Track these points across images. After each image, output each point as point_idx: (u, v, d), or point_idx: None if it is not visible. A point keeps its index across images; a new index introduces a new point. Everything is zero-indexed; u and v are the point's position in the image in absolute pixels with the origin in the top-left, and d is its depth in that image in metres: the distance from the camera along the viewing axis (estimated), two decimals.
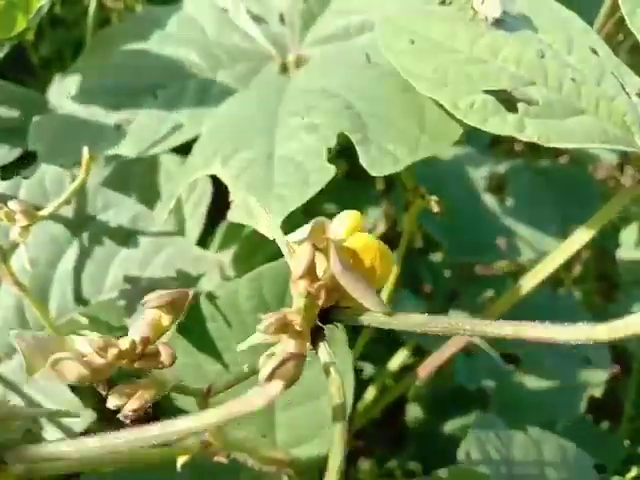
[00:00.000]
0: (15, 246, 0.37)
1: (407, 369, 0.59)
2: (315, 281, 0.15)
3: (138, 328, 0.18)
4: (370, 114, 0.34)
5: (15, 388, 0.44)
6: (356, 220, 0.18)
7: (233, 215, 0.31)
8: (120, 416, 0.18)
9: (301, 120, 0.34)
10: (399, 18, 0.38)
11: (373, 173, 0.32)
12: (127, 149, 0.48)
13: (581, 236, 0.38)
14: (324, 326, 0.16)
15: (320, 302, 0.15)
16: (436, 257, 0.78)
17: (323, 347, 0.16)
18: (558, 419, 0.64)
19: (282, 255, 0.19)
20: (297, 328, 0.15)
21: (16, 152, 0.81)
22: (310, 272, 0.15)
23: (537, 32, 0.39)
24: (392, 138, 0.33)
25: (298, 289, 0.15)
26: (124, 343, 0.17)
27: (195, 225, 0.58)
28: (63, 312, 0.44)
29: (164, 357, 0.17)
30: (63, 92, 0.52)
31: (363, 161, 0.32)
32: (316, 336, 0.16)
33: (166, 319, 0.18)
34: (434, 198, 0.38)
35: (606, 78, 0.39)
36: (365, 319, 0.16)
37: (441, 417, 0.65)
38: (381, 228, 0.76)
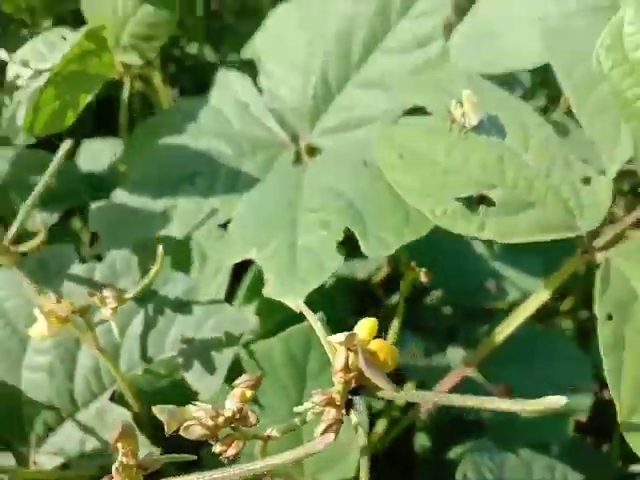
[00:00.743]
0: (101, 321, 0.47)
1: (412, 403, 0.69)
2: (348, 372, 0.25)
3: (233, 401, 0.28)
4: (367, 212, 0.45)
5: (93, 432, 0.54)
6: (373, 326, 0.28)
7: (268, 291, 0.42)
8: (222, 459, 0.28)
9: (316, 216, 0.45)
10: (391, 131, 0.49)
11: (370, 255, 0.42)
12: (174, 231, 0.59)
13: (539, 296, 0.48)
14: (353, 398, 0.26)
15: (351, 385, 0.25)
16: (436, 295, 0.88)
17: (353, 413, 0.26)
18: (549, 442, 0.73)
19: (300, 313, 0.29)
20: (337, 402, 0.25)
21: (55, 216, 0.93)
22: (345, 367, 0.25)
23: (502, 133, 0.50)
24: (384, 229, 0.44)
25: (338, 378, 0.25)
26: (227, 412, 0.27)
27: (223, 282, 0.69)
28: (131, 368, 0.54)
29: (252, 419, 0.27)
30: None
31: (362, 247, 0.43)
32: (348, 405, 0.26)
33: (249, 393, 0.28)
34: (423, 270, 0.48)
35: (555, 169, 0.49)
36: (380, 394, 0.26)
37: (445, 444, 0.74)
38: (385, 270, 0.86)
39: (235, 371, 0.53)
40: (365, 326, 0.28)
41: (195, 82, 1.16)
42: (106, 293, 0.44)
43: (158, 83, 0.88)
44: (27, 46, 0.74)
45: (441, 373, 0.82)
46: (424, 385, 0.78)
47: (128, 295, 0.47)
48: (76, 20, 0.81)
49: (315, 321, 0.30)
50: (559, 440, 0.75)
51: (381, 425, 0.66)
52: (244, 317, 0.54)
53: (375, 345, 0.27)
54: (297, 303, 0.39)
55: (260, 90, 0.69)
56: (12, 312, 0.54)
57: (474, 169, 0.45)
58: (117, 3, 0.73)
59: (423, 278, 0.48)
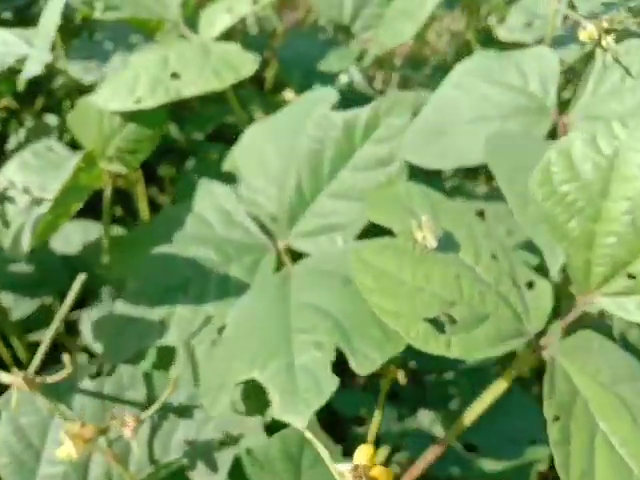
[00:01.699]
0: (119, 437, 0.52)
1: None
2: None
3: None
4: (353, 331, 0.52)
5: None
6: (371, 452, 0.35)
7: (276, 411, 0.48)
8: None
9: (308, 337, 0.52)
10: (365, 255, 0.56)
11: (361, 374, 0.49)
12: (172, 339, 0.65)
13: (497, 387, 0.56)
14: None
15: None
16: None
17: None
18: None
19: None
20: None
21: (35, 304, 0.97)
22: None
23: (456, 247, 0.59)
24: (369, 345, 0.51)
25: None
26: None
27: None
28: (140, 471, 0.59)
29: None
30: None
31: (352, 364, 0.50)
32: None
33: None
34: (400, 371, 0.56)
35: (503, 279, 0.58)
36: None
37: None
38: None
39: (236, 466, 0.59)
40: (364, 453, 0.35)
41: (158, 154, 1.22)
42: (127, 417, 0.50)
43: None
44: (16, 161, 0.80)
45: (414, 437, 0.90)
46: (399, 449, 0.86)
47: (145, 414, 0.52)
48: None
49: (321, 448, 0.37)
50: None
51: None
52: (243, 419, 0.60)
53: (377, 471, 0.34)
54: (303, 424, 0.46)
55: (240, 198, 0.77)
56: (27, 428, 0.58)
57: (436, 287, 0.53)
58: (103, 123, 0.79)
59: (401, 380, 0.56)
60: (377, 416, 0.63)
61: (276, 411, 0.48)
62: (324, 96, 0.72)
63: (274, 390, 0.49)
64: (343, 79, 1.03)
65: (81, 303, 0.89)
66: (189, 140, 1.25)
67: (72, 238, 1.06)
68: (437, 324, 0.50)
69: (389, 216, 0.62)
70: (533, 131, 0.82)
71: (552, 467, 0.86)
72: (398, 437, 0.88)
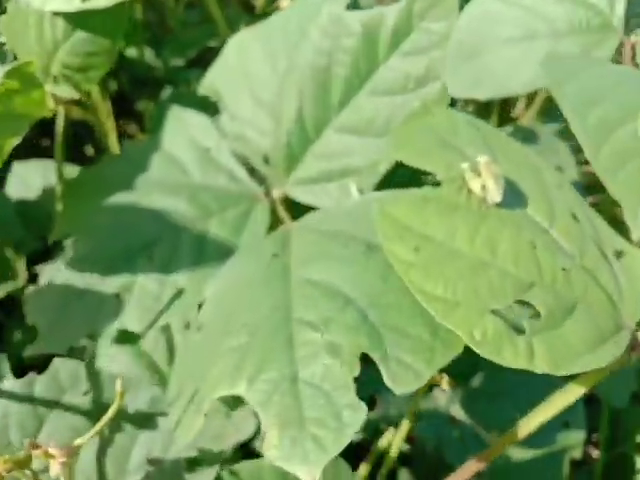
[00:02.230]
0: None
1: None
2: None
3: None
4: (383, 324, 0.35)
5: None
6: None
7: (273, 454, 0.32)
8: None
9: (318, 336, 0.35)
10: (396, 210, 0.39)
11: (398, 392, 0.33)
12: (131, 322, 0.48)
13: (573, 392, 0.40)
14: None
15: None
16: None
17: None
18: None
19: None
20: None
21: None
22: None
23: (523, 202, 0.41)
24: (408, 349, 0.34)
25: None
26: None
27: None
28: None
29: None
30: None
31: (387, 380, 0.33)
32: None
33: None
34: (444, 377, 0.40)
35: (587, 247, 0.41)
36: None
37: None
38: None
39: None
40: None
41: (135, 85, 1.04)
42: (52, 449, 0.33)
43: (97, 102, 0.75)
44: None
45: (430, 419, 0.76)
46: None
47: (81, 440, 0.36)
48: None
49: None
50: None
51: None
52: (224, 431, 0.44)
53: None
54: (314, 478, 0.29)
55: (222, 131, 0.58)
56: None
57: (506, 262, 0.36)
58: (43, 30, 0.60)
59: (445, 386, 0.40)
60: (405, 424, 0.47)
61: (272, 454, 0.32)
62: None
63: (268, 419, 0.33)
64: None
65: (46, 255, 0.71)
66: (167, 67, 1.05)
67: (31, 181, 0.88)
68: (506, 317, 0.34)
69: (426, 156, 0.44)
70: (594, 53, 0.64)
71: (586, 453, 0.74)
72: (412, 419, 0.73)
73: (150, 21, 1.10)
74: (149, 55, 1.05)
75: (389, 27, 0.49)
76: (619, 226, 0.50)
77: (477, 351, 0.31)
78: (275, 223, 0.54)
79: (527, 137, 1.02)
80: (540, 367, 0.31)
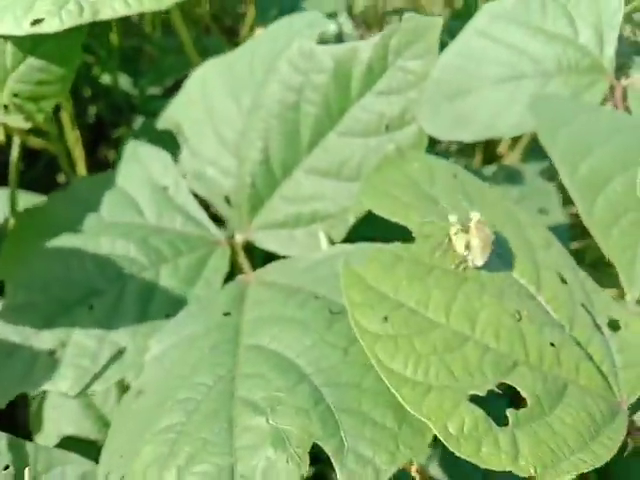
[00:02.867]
0: None
1: None
2: None
3: None
4: (341, 406, 0.30)
5: None
6: None
7: None
8: None
9: (265, 422, 0.29)
10: (362, 267, 0.34)
11: None
12: (63, 384, 0.41)
13: None
14: None
15: None
16: None
17: None
18: None
19: None
20: None
21: None
22: None
23: (507, 261, 0.36)
24: (369, 439, 0.29)
25: None
26: None
27: None
28: None
29: None
30: None
31: (341, 477, 0.27)
32: None
33: None
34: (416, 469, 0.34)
35: (577, 315, 0.36)
36: None
37: None
38: None
39: None
40: None
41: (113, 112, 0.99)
42: None
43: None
44: None
45: None
46: None
47: None
48: None
49: None
50: None
51: None
52: None
53: None
54: None
55: (182, 169, 0.53)
56: None
57: (486, 336, 0.31)
58: None
59: None
60: None
61: None
62: (306, 22, 0.48)
63: None
64: (331, 28, 0.79)
65: None
66: (143, 95, 1.00)
67: None
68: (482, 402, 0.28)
69: (398, 207, 0.39)
70: (584, 96, 0.60)
71: None
72: None
73: (127, 47, 1.06)
74: (126, 82, 1.01)
75: (363, 63, 0.45)
76: (607, 272, 0.45)
77: (451, 448, 0.26)
78: (234, 272, 0.48)
79: (511, 177, 0.98)
80: (525, 469, 0.26)
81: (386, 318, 0.31)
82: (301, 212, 0.48)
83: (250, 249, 0.50)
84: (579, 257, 0.93)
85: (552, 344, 0.32)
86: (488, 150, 1.02)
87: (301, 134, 0.48)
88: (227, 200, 0.51)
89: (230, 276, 0.47)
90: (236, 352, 0.34)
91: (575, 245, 0.92)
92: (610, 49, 0.61)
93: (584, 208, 0.41)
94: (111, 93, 1.00)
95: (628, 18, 0.64)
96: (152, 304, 0.45)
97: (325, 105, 0.46)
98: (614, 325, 0.37)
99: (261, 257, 0.52)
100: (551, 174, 1.02)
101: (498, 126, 0.58)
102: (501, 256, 0.37)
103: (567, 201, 0.99)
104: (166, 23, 0.99)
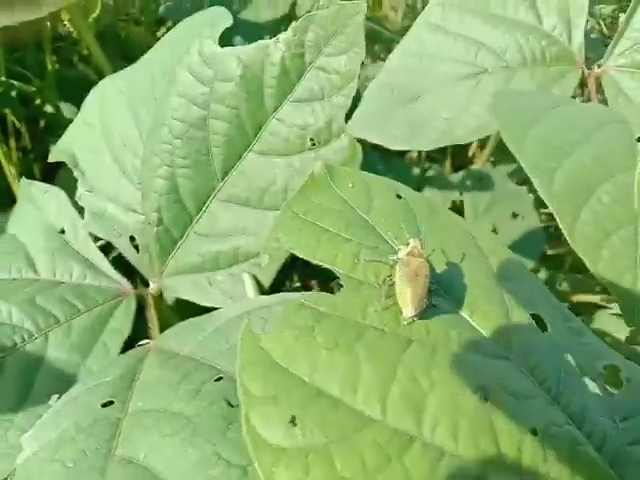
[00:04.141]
0: None
1: None
2: None
3: None
4: None
5: None
6: None
7: None
8: None
9: None
10: (271, 339, 0.24)
11: None
12: None
13: None
14: None
15: None
16: None
17: None
18: None
19: None
20: None
21: None
22: None
23: (457, 303, 0.27)
24: None
25: None
26: None
27: None
28: None
29: None
30: None
31: None
32: None
33: None
34: None
35: (565, 373, 0.26)
36: None
37: None
38: None
39: None
40: None
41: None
42: None
43: None
44: None
45: None
46: None
47: None
48: None
49: None
50: None
51: None
52: None
53: None
54: None
55: (81, 208, 0.43)
56: None
57: (439, 432, 0.21)
58: None
59: None
60: None
61: None
62: (209, 20, 0.38)
63: None
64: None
65: None
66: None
67: None
68: None
69: (323, 242, 0.29)
70: (553, 89, 0.52)
71: None
72: None
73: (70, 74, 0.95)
74: (71, 111, 0.91)
75: (276, 66, 0.35)
76: (590, 275, 0.36)
77: None
78: (143, 331, 0.38)
79: (481, 182, 0.90)
80: None
81: (294, 419, 0.21)
82: (220, 251, 0.38)
83: (165, 300, 0.40)
84: (558, 262, 0.84)
85: (533, 431, 0.22)
86: (458, 154, 0.94)
87: (213, 156, 0.38)
88: (133, 241, 0.41)
89: (138, 338, 0.37)
90: (105, 468, 0.24)
91: (550, 253, 0.83)
92: (579, 34, 0.53)
93: (566, 225, 0.32)
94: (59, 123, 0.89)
95: (590, 12, 0.56)
96: (36, 383, 0.35)
97: (237, 120, 0.37)
98: (613, 377, 0.27)
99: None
100: (523, 175, 0.93)
101: (456, 131, 0.50)
102: (453, 298, 0.27)
103: (541, 203, 0.90)
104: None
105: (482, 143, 0.92)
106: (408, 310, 0.25)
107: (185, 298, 0.39)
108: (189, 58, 0.38)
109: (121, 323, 0.37)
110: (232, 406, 0.24)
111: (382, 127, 0.50)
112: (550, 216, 0.87)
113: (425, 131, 0.51)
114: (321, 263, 0.28)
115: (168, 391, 0.27)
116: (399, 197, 0.33)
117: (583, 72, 0.52)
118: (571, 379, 0.26)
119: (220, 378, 0.26)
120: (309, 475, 0.19)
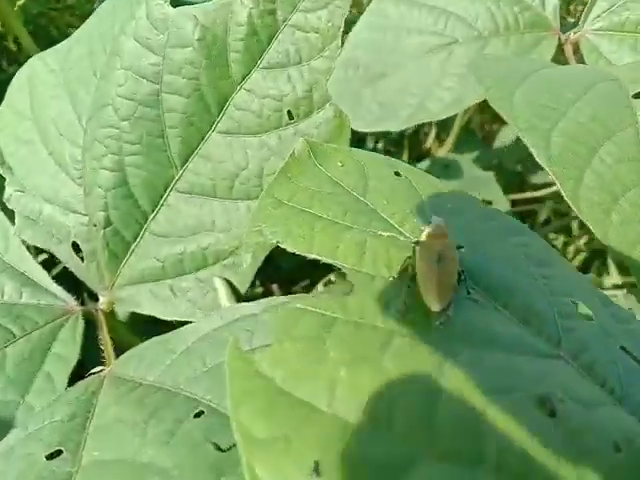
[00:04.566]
0: None
1: None
2: None
3: None
4: None
5: None
6: None
7: None
8: None
9: None
10: (268, 358, 0.18)
11: None
12: None
13: None
14: None
15: None
16: None
17: None
18: None
19: None
20: None
21: None
22: None
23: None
24: None
25: None
26: None
27: None
28: None
29: None
30: None
31: None
32: None
33: None
34: None
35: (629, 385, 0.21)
36: None
37: None
38: None
39: None
40: None
41: None
42: None
43: None
44: None
45: None
46: None
47: None
48: None
49: None
50: None
51: None
52: None
53: None
54: None
55: (11, 213, 0.35)
56: None
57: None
58: None
59: None
60: None
61: None
62: None
63: None
64: None
65: None
66: None
67: None
68: None
69: (318, 231, 0.24)
70: (529, 55, 0.49)
71: None
72: None
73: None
74: None
75: (242, 26, 0.29)
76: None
77: None
78: (95, 357, 0.31)
79: (447, 169, 0.87)
80: None
81: (317, 466, 0.15)
82: (184, 253, 0.32)
83: (117, 319, 0.34)
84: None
85: (617, 447, 0.17)
86: (414, 147, 0.91)
87: (169, 139, 0.31)
88: (76, 249, 0.34)
89: (91, 363, 0.30)
90: None
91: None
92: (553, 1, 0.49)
93: (569, 191, 0.28)
94: None
95: None
96: None
97: (196, 93, 0.30)
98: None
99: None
100: (485, 163, 0.91)
101: (429, 107, 0.46)
102: (483, 288, 0.22)
103: (510, 188, 0.88)
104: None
105: (439, 134, 0.88)
106: (435, 304, 0.20)
107: (144, 312, 0.33)
108: (135, 24, 0.31)
109: (67, 348, 0.30)
110: (222, 450, 0.18)
111: (349, 109, 0.45)
112: (519, 202, 0.85)
113: (396, 110, 0.47)
114: (319, 258, 0.22)
115: (132, 434, 0.20)
116: (397, 175, 0.28)
117: (560, 38, 0.49)
118: (631, 376, 0.22)
119: (200, 413, 0.20)
120: None
